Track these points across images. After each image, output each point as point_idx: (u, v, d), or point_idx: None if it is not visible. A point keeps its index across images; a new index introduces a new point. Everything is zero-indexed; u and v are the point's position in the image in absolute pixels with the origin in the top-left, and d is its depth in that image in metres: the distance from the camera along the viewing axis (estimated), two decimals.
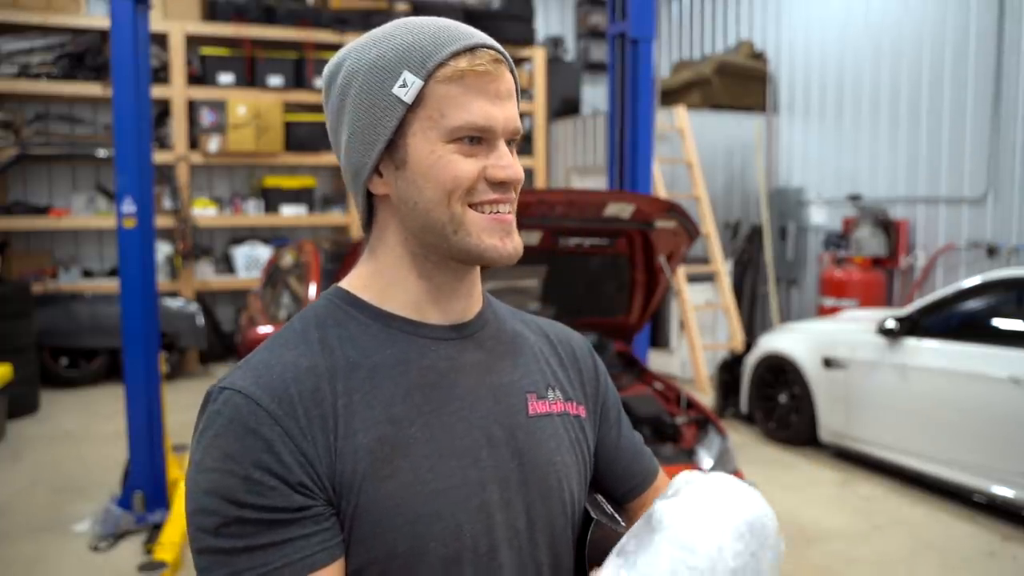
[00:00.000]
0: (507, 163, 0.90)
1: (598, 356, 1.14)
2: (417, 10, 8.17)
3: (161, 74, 7.52)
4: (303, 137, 8.06)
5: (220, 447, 0.81)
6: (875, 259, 7.35)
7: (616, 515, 1.05)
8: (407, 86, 0.87)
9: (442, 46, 0.88)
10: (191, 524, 0.82)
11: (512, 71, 0.92)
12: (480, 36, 0.90)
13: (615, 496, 1.12)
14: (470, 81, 0.87)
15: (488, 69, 0.88)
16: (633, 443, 1.14)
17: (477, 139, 0.89)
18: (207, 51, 7.86)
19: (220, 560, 0.79)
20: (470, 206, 0.90)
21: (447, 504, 0.87)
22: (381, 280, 0.95)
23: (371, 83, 0.89)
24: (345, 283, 0.97)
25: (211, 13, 7.76)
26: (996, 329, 4.57)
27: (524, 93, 8.98)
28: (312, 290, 4.41)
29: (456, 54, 0.87)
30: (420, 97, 0.87)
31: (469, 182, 0.88)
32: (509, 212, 0.92)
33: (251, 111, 7.66)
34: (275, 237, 8.49)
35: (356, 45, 0.92)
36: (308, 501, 0.81)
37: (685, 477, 0.95)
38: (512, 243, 0.92)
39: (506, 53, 0.92)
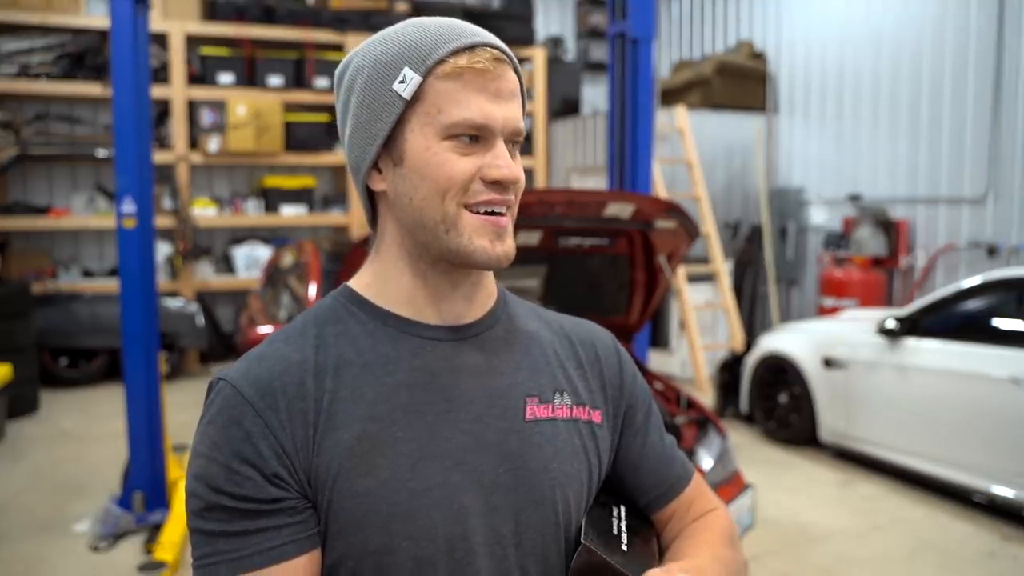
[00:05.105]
0: (504, 163, 0.88)
1: (627, 357, 1.09)
2: (417, 10, 8.17)
3: (161, 74, 7.51)
4: (303, 137, 8.06)
5: (210, 435, 0.86)
6: (875, 259, 7.35)
7: (623, 533, 0.98)
8: (406, 82, 0.87)
9: (443, 43, 0.87)
10: (186, 504, 0.87)
11: (517, 72, 0.92)
12: (485, 35, 0.90)
13: (639, 505, 1.07)
14: (469, 78, 0.86)
15: (487, 67, 0.87)
16: (661, 449, 1.09)
17: (475, 137, 0.88)
18: (207, 51, 7.85)
19: (203, 540, 0.84)
20: (466, 207, 0.88)
21: (423, 505, 0.86)
22: (381, 278, 0.96)
23: (374, 79, 0.89)
24: (353, 281, 0.98)
25: (211, 13, 7.75)
26: (996, 329, 4.56)
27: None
28: (312, 290, 4.40)
29: (457, 51, 0.87)
30: (419, 93, 0.87)
31: (463, 181, 0.87)
32: (504, 215, 0.90)
33: (251, 111, 7.65)
34: (275, 237, 8.49)
35: (366, 43, 0.93)
36: (282, 493, 0.84)
37: None
38: (502, 247, 0.90)
39: (511, 53, 0.91)
